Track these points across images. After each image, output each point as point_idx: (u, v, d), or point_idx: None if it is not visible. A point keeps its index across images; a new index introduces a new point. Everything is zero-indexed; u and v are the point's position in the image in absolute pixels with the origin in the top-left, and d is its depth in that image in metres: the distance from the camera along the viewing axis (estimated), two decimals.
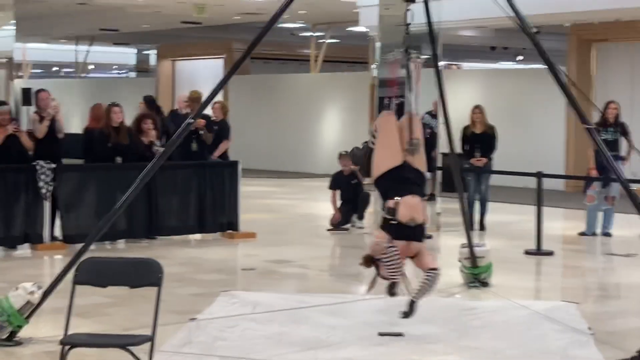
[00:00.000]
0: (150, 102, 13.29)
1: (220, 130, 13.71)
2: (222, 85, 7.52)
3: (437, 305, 8.07)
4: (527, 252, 11.18)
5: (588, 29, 19.57)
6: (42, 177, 10.60)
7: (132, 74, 36.14)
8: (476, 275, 8.94)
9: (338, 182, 13.48)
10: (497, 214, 14.95)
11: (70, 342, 4.72)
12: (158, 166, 7.08)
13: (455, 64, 41.30)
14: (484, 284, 8.95)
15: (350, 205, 13.38)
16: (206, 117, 13.14)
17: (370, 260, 6.85)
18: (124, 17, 24.44)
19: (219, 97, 25.41)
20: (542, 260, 10.90)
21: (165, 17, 23.94)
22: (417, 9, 8.39)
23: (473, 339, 6.90)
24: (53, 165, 10.66)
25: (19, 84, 32.98)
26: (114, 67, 38.22)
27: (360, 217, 13.41)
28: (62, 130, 11.19)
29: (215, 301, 8.07)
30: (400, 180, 6.81)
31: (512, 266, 10.53)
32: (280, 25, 26.48)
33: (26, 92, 30.87)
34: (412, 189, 6.77)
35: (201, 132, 12.80)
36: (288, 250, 11.33)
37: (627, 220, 11.55)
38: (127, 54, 34.46)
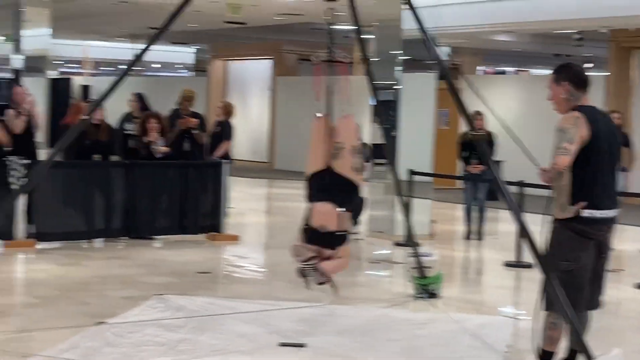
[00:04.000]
0: (141, 99, 13.16)
1: (222, 130, 13.62)
2: (118, 81, 7.30)
3: (364, 316, 7.81)
4: (507, 264, 10.75)
5: (627, 35, 18.90)
6: (13, 172, 10.56)
7: (192, 73, 36.37)
8: (424, 286, 8.59)
9: None
10: (504, 223, 14.49)
11: None
12: (48, 166, 6.89)
13: (524, 70, 40.50)
14: (432, 295, 8.59)
15: None
16: (198, 116, 12.99)
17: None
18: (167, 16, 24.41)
19: (264, 101, 25.52)
20: (520, 273, 10.46)
21: (207, 16, 23.89)
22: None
23: (374, 354, 6.58)
24: (25, 161, 10.60)
25: (79, 81, 33.53)
26: (176, 65, 38.47)
27: (355, 223, 13.07)
28: (38, 126, 11.17)
29: (140, 305, 7.89)
30: (318, 186, 6.62)
31: (482, 278, 10.13)
32: (334, 27, 26.24)
33: (85, 89, 31.45)
34: (326, 196, 6.56)
35: (194, 131, 12.67)
36: (264, 255, 11.13)
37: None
38: (186, 54, 34.62)
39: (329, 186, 6.59)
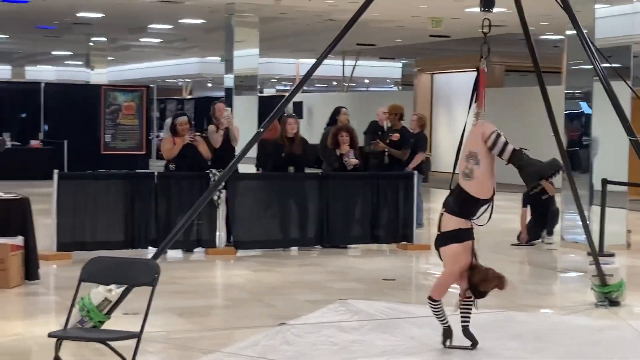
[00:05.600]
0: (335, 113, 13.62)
1: (416, 142, 13.92)
2: (291, 97, 7.67)
3: (541, 322, 7.90)
4: None
5: None
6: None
7: (398, 88, 36.95)
8: (606, 294, 8.53)
9: (528, 198, 13.17)
10: None
11: (56, 335, 5.13)
12: (226, 177, 7.37)
13: None
14: (614, 303, 8.51)
15: (540, 221, 13.06)
16: (403, 131, 13.40)
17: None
18: (375, 32, 25.06)
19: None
20: None
21: (411, 31, 24.29)
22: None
23: (540, 357, 6.68)
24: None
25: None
26: (388, 80, 39.17)
27: (550, 233, 13.05)
28: (236, 140, 11.79)
29: (323, 308, 8.25)
30: None
31: None
32: (543, 37, 26.06)
33: (297, 105, 32.51)
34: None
35: (385, 152, 13.09)
36: None
37: None
38: (393, 68, 35.24)
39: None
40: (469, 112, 6.77)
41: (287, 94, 28.93)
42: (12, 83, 30.39)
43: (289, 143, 11.92)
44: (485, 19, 7.20)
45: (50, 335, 5.21)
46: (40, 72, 39.31)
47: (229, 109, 12.11)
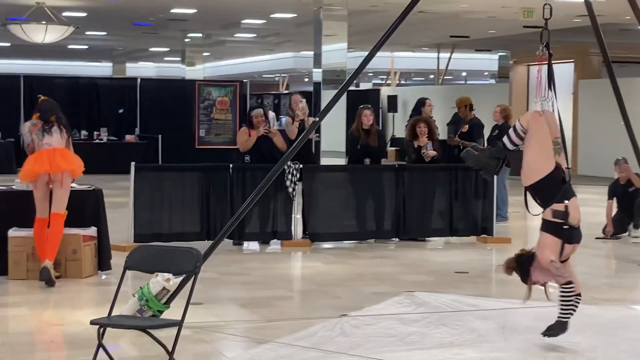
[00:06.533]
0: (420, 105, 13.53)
1: (500, 134, 13.68)
2: (344, 90, 7.57)
3: (609, 316, 7.68)
4: None
5: None
6: (289, 176, 11.21)
7: (495, 80, 36.47)
8: None
9: (615, 191, 12.84)
10: None
11: (98, 322, 5.17)
12: (288, 160, 7.36)
13: None
14: None
15: (627, 213, 12.71)
16: (473, 122, 13.24)
17: (512, 267, 6.87)
18: (467, 23, 24.78)
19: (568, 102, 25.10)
20: None
21: (504, 22, 23.92)
22: None
23: (599, 350, 6.51)
24: (299, 165, 11.22)
25: (386, 91, 34.57)
26: (485, 73, 38.71)
27: (637, 226, 12.69)
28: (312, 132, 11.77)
29: (387, 300, 8.16)
30: (562, 183, 6.62)
31: None
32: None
33: (391, 99, 32.38)
34: (573, 191, 6.65)
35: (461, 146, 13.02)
36: None
37: None
38: (490, 61, 34.78)
39: (568, 181, 6.64)
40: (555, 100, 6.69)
41: (381, 87, 29.00)
42: (111, 79, 30.97)
43: (364, 135, 11.84)
44: (545, 4, 6.98)
45: (92, 322, 5.26)
46: (140, 69, 40.01)
47: (304, 100, 12.11)
